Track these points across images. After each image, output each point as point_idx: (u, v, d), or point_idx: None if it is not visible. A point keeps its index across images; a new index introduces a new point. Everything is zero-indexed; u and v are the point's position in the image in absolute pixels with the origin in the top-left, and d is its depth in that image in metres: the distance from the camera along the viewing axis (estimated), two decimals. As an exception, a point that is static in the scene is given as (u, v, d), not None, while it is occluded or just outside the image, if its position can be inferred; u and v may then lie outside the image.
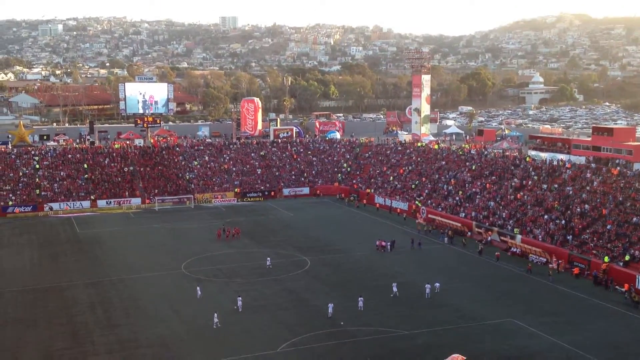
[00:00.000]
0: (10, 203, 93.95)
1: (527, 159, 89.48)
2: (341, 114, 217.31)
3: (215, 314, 48.66)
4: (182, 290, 57.25)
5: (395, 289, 55.43)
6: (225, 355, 43.64)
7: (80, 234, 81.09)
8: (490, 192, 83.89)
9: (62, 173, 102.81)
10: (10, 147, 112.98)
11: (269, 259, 65.33)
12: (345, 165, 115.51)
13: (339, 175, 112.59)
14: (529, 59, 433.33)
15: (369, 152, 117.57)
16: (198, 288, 55.92)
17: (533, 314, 51.24)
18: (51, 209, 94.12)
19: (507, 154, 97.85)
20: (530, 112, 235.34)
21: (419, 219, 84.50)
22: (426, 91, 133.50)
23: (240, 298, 52.90)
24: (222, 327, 47.94)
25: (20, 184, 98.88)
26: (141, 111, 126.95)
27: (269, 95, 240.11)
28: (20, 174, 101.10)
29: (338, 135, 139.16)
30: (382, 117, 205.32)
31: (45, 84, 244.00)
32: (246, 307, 52.34)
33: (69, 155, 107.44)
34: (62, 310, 52.82)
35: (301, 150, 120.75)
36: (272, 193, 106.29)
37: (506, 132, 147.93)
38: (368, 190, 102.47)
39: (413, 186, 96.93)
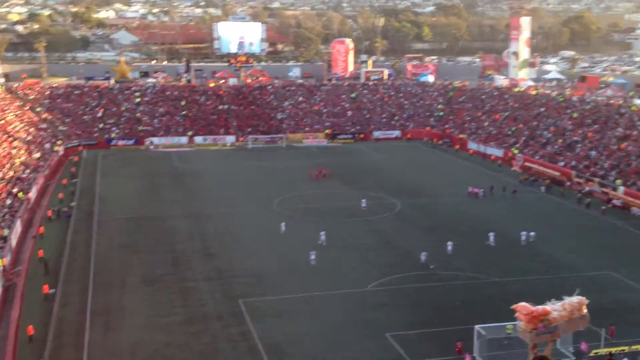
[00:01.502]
0: (114, 136, 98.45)
1: (633, 107, 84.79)
2: (434, 57, 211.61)
3: (313, 252, 49.44)
4: (274, 227, 58.73)
5: (492, 239, 54.23)
6: (316, 289, 44.84)
7: (178, 168, 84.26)
8: (592, 142, 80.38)
9: (160, 109, 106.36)
10: (112, 83, 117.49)
11: (364, 200, 65.56)
12: (440, 108, 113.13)
13: (431, 119, 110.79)
14: (636, 2, 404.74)
15: (463, 97, 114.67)
16: (282, 224, 57.15)
17: (632, 268, 49.38)
18: (151, 143, 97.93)
19: (611, 102, 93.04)
20: (637, 59, 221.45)
21: (514, 166, 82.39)
22: (525, 34, 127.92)
23: (323, 233, 53.80)
24: (312, 264, 49.05)
25: (122, 118, 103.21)
26: (234, 51, 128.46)
27: (361, 36, 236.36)
28: (123, 108, 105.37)
29: (431, 79, 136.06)
30: (477, 60, 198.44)
31: (144, 22, 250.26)
32: (335, 246, 53.26)
33: (167, 93, 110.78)
34: (163, 238, 55.61)
35: (392, 93, 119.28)
36: (363, 135, 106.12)
37: (611, 79, 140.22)
38: (461, 136, 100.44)
39: (509, 133, 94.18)
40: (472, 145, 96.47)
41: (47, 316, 40.34)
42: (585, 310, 13.85)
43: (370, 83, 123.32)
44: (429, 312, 41.90)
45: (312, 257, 49.14)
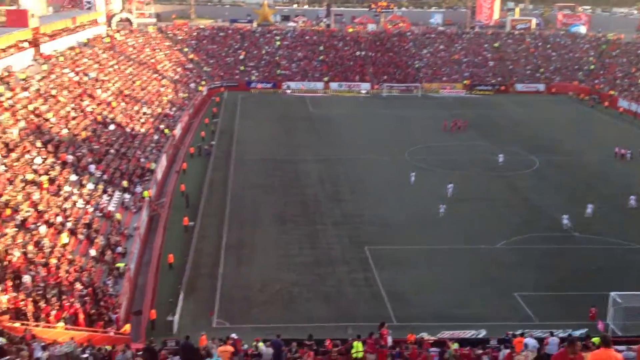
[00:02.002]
0: (253, 78, 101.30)
1: None
2: (588, 7, 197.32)
3: (443, 205, 48.81)
4: (405, 176, 58.26)
5: (633, 202, 50.95)
6: (443, 242, 44.35)
7: (312, 112, 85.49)
8: None
9: (299, 54, 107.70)
10: (254, 26, 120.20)
11: (501, 155, 63.28)
12: (590, 62, 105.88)
13: (580, 73, 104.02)
14: None
15: (617, 51, 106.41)
16: (412, 175, 56.50)
17: None
18: (288, 87, 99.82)
19: None
20: None
21: (668, 128, 76.05)
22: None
23: (451, 185, 52.80)
24: (441, 217, 48.41)
25: (262, 62, 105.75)
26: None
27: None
28: (263, 52, 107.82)
29: (583, 30, 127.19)
30: (635, 12, 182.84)
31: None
32: (467, 200, 52.17)
33: (306, 37, 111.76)
34: (294, 181, 57.10)
35: (539, 43, 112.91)
36: (503, 87, 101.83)
37: None
38: (611, 92, 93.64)
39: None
40: (623, 103, 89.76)
41: (186, 246, 43.01)
42: None
43: (516, 32, 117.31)
44: (562, 275, 40.21)
45: (442, 210, 48.43)
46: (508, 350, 23.62)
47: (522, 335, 27.71)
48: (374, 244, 44.11)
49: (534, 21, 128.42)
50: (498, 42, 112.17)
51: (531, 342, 24.88)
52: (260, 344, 25.08)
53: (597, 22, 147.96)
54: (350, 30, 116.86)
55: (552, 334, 27.14)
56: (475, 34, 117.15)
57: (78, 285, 31.08)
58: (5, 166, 40.29)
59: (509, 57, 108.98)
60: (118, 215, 42.83)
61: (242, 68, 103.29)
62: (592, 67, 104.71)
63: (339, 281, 39.32)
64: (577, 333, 30.80)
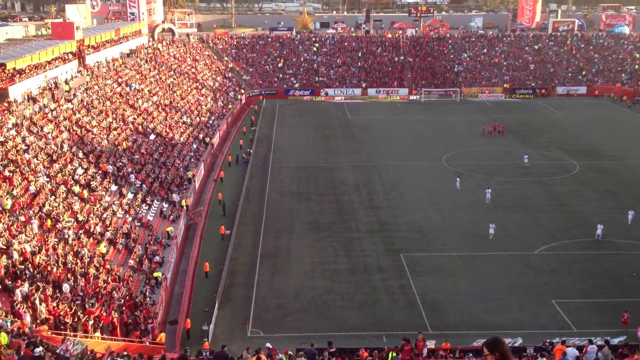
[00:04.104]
0: (295, 86, 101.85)
1: None
2: (633, 7, 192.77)
3: (492, 225, 45.67)
4: (441, 182, 58.01)
5: None
6: (480, 249, 43.97)
7: (350, 119, 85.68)
8: None
9: (338, 60, 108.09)
10: (294, 33, 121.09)
11: (526, 156, 63.26)
12: (634, 63, 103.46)
13: (623, 75, 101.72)
14: None
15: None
16: (457, 180, 56.21)
17: None
18: (327, 94, 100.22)
19: None
20: None
21: None
22: None
23: (489, 191, 52.46)
24: (477, 222, 47.94)
25: (301, 69, 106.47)
26: (416, 0, 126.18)
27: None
28: (302, 59, 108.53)
29: (627, 30, 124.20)
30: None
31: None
32: (505, 206, 51.70)
33: (345, 44, 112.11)
34: (331, 188, 57.34)
35: (582, 45, 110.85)
36: (544, 91, 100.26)
37: None
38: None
39: None
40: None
41: (222, 255, 43.62)
42: None
43: (558, 34, 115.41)
44: (601, 281, 39.51)
45: (491, 230, 45.37)
46: (545, 359, 23.30)
47: (563, 343, 27.34)
48: (409, 251, 44.01)
49: (576, 22, 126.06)
50: (539, 45, 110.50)
51: (572, 351, 24.49)
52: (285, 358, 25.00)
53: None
54: (389, 35, 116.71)
55: (590, 342, 26.73)
56: (516, 36, 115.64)
57: (116, 295, 31.91)
58: (48, 176, 41.62)
59: (550, 60, 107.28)
60: (170, 229, 43.55)
61: (280, 76, 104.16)
62: (637, 67, 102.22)
63: (373, 288, 39.31)
64: (615, 341, 30.27)
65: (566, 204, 52.78)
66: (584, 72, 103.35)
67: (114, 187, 45.59)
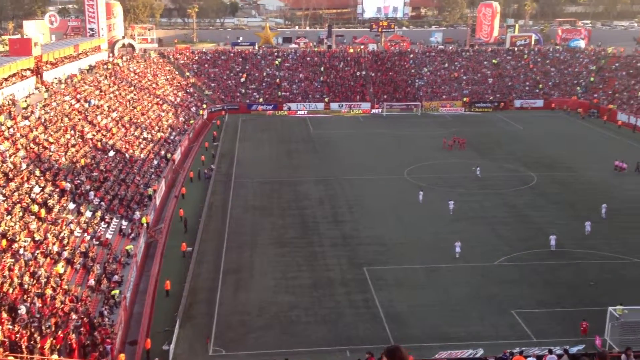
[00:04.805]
0: (260, 100, 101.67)
1: None
2: (588, 21, 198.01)
3: (458, 244, 45.41)
4: (404, 195, 58.49)
5: (588, 228, 49.35)
6: (442, 262, 44.36)
7: (313, 133, 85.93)
8: None
9: (300, 75, 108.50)
10: (256, 48, 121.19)
11: (478, 168, 65.01)
12: (589, 76, 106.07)
13: (578, 88, 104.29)
14: None
15: (616, 64, 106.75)
16: (420, 193, 56.74)
17: None
18: (289, 108, 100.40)
19: None
20: None
21: (668, 140, 75.95)
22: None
23: (452, 202, 53.16)
24: (440, 235, 48.45)
25: (263, 84, 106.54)
26: (377, 15, 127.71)
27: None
28: (265, 74, 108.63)
29: (582, 44, 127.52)
30: (635, 25, 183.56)
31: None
32: (465, 218, 52.33)
33: (308, 58, 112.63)
34: (294, 202, 57.32)
35: (539, 59, 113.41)
36: (502, 104, 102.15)
37: None
38: (610, 106, 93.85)
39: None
40: (622, 117, 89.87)
41: (184, 273, 43.09)
42: None
43: (516, 49, 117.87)
44: (559, 291, 40.25)
45: (458, 249, 45.20)
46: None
47: (520, 353, 27.67)
48: (372, 265, 44.20)
49: (533, 37, 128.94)
50: (497, 59, 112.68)
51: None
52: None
53: (597, 37, 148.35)
54: (351, 50, 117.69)
55: (550, 352, 27.13)
56: (475, 51, 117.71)
57: (73, 316, 31.28)
58: (4, 196, 40.74)
59: (508, 74, 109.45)
60: (130, 247, 42.94)
61: (243, 91, 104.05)
62: (592, 79, 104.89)
63: (337, 303, 39.30)
64: (574, 350, 30.75)
65: (525, 215, 53.68)
66: (540, 86, 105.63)
67: (71, 205, 44.81)
